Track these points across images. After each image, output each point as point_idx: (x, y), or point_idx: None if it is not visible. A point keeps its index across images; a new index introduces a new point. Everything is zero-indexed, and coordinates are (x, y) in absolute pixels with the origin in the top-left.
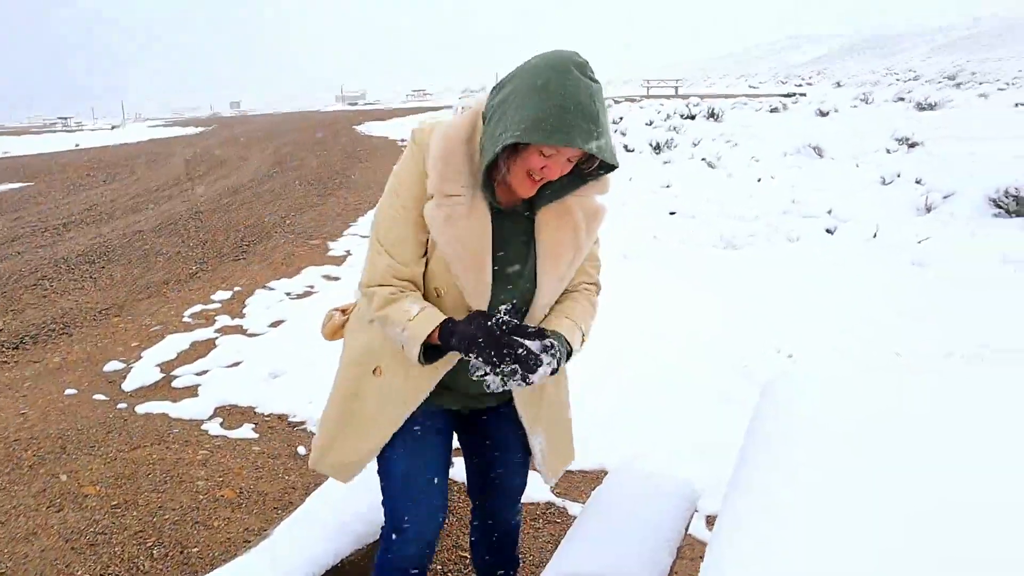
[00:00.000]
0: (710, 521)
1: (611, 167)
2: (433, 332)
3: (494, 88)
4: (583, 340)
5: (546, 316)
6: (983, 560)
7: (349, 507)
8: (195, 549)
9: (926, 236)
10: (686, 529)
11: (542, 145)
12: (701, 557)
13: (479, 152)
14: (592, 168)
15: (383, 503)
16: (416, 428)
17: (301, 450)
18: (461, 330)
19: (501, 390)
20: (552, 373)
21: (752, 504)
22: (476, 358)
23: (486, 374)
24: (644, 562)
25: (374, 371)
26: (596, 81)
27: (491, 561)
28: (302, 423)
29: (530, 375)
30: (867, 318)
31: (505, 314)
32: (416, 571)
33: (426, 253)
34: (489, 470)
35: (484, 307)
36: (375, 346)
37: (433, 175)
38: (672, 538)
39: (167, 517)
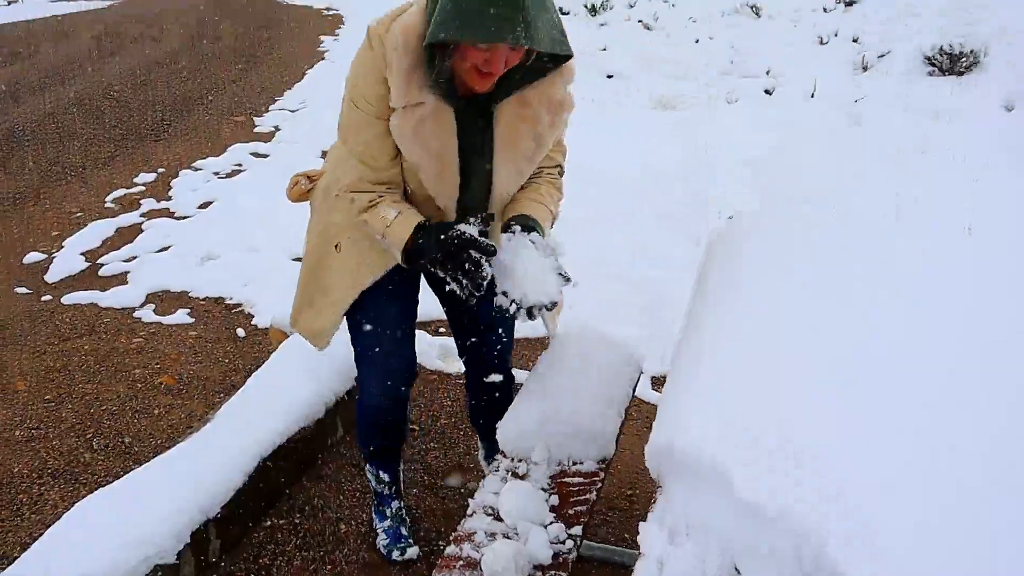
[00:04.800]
0: (654, 382)
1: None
2: (408, 238)
3: None
4: (553, 218)
5: (510, 203)
6: (923, 394)
7: (291, 385)
8: (137, 438)
9: (863, 95)
10: (633, 390)
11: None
12: (646, 416)
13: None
14: (546, 58)
15: (355, 356)
16: (385, 286)
17: (240, 332)
18: (422, 248)
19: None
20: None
21: (703, 351)
22: (436, 271)
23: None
24: (597, 417)
25: (335, 247)
26: None
27: (489, 424)
28: (239, 305)
29: (475, 290)
30: (807, 175)
31: (474, 225)
32: (391, 420)
33: (398, 154)
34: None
35: (453, 206)
36: (337, 222)
37: (396, 89)
38: (622, 398)
39: (104, 408)
